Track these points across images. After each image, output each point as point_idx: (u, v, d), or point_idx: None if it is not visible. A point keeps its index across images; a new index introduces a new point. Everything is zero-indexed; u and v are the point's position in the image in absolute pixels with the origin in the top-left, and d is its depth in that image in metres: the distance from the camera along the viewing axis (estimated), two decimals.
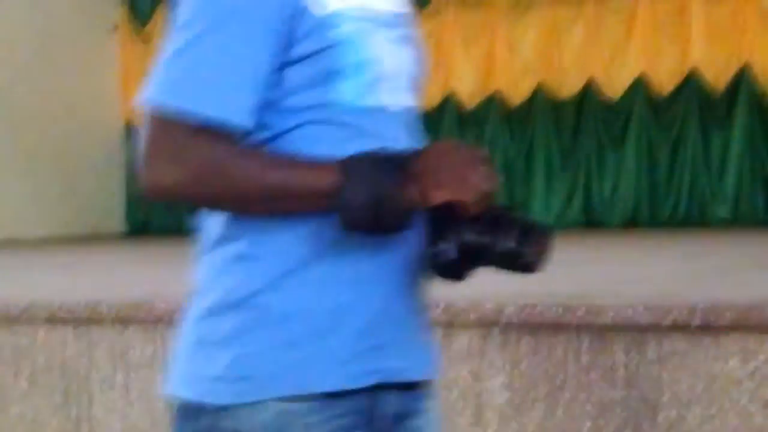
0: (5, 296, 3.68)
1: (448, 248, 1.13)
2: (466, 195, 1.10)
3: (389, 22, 1.27)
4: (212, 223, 1.25)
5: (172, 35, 1.17)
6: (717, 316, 2.74)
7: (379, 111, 1.25)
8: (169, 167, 1.14)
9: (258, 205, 1.20)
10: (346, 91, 1.21)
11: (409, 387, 1.27)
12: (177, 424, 1.26)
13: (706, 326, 2.75)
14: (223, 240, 1.23)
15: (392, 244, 1.22)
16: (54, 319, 3.35)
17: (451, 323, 2.89)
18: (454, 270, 1.16)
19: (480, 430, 2.94)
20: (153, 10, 11.32)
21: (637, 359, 2.96)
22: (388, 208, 1.11)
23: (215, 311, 1.21)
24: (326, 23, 1.18)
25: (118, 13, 11.36)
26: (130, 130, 11.62)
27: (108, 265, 5.78)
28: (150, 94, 1.12)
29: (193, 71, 1.15)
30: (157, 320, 3.22)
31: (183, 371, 1.26)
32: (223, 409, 1.18)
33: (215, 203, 1.21)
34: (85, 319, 3.32)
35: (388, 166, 1.13)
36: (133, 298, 3.44)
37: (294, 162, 1.18)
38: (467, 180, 1.11)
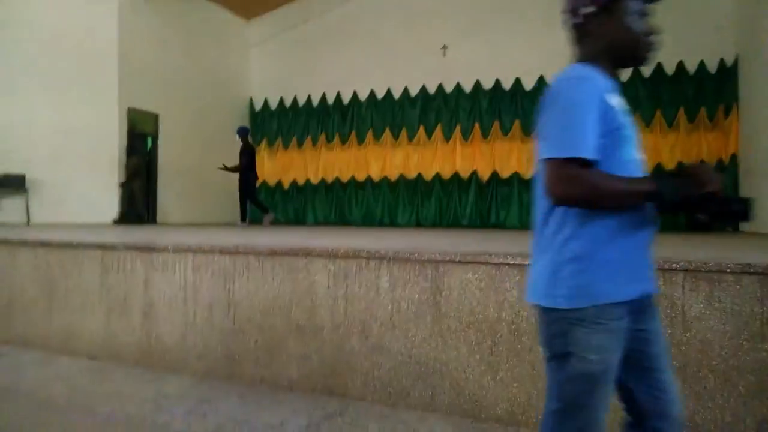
0: (215, 243, 3.45)
1: (703, 217, 1.22)
2: (705, 188, 1.19)
3: (628, 114, 1.32)
4: (553, 218, 1.30)
5: (546, 122, 1.24)
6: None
7: (637, 161, 1.32)
8: (563, 186, 1.19)
9: (609, 202, 1.23)
10: (626, 150, 1.28)
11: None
12: (543, 317, 1.33)
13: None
14: (561, 227, 1.28)
15: (644, 229, 1.28)
16: (228, 252, 3.27)
17: None
18: (706, 226, 1.26)
19: None
20: (261, 142, 12.33)
21: None
22: (682, 196, 1.20)
23: (562, 261, 1.28)
24: (617, 113, 1.26)
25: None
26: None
27: (241, 233, 6.26)
28: (544, 152, 1.21)
29: (562, 135, 1.20)
30: (260, 253, 3.20)
31: (545, 290, 1.31)
32: (567, 311, 1.28)
33: (589, 202, 1.22)
34: (232, 249, 3.27)
35: (674, 176, 1.25)
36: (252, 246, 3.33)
37: (627, 178, 1.23)
38: (706, 182, 1.19)
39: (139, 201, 10.18)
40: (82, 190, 10.01)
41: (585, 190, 1.20)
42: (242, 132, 9.94)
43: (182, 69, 11.33)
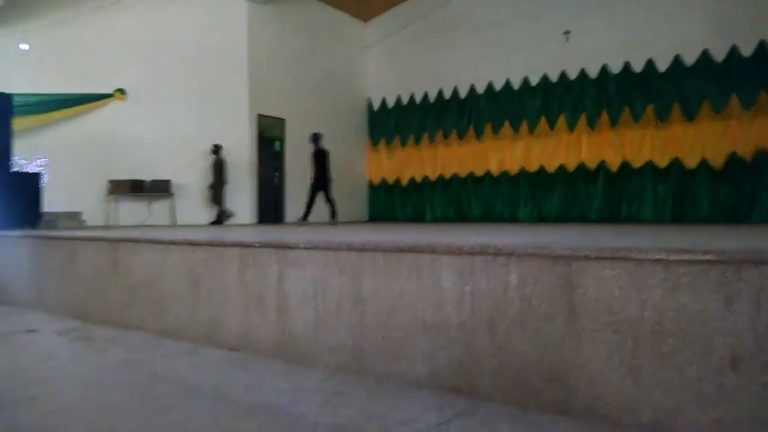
0: (342, 240, 3.52)
1: None
2: None
3: None
4: None
5: None
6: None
7: None
8: None
9: None
10: None
11: None
12: None
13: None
14: None
15: None
16: (355, 249, 3.32)
17: None
18: None
19: None
20: (379, 140, 12.51)
21: None
22: None
23: None
24: None
25: (366, 139, 12.52)
26: (370, 183, 12.84)
27: (365, 230, 6.44)
28: None
29: None
30: (386, 249, 3.21)
31: None
32: None
33: None
34: (359, 246, 3.30)
35: None
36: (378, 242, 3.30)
37: None
38: None
39: (223, 201, 10.53)
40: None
41: None
42: (314, 138, 10.29)
43: (304, 73, 11.87)
